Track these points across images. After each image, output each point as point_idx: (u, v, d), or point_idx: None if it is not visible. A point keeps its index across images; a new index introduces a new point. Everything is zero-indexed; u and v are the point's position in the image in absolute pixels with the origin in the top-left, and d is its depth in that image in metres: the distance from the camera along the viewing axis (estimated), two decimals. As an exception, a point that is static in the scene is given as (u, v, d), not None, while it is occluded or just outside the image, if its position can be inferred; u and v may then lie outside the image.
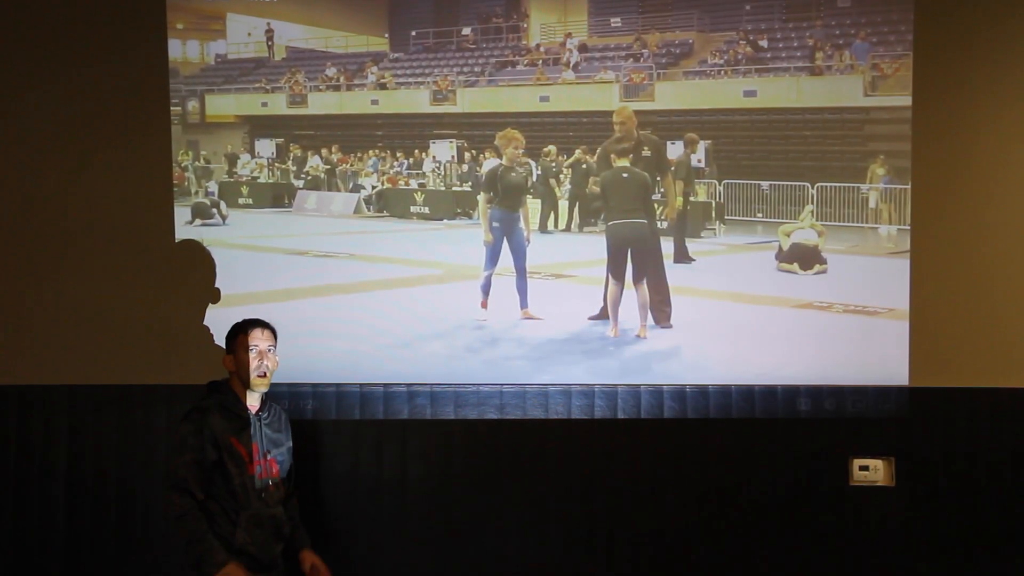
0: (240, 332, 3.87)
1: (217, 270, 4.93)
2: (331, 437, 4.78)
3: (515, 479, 4.90)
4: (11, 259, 4.93)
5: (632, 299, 5.06)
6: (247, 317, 3.97)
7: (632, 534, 4.88)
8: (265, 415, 3.90)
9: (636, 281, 5.08)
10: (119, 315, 4.88)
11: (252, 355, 3.81)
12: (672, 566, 4.87)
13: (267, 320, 3.97)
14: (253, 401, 3.88)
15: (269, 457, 3.86)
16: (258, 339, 3.84)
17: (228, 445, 3.75)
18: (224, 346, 3.96)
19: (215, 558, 3.66)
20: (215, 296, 4.86)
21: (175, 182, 5.05)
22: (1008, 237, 4.78)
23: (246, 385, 3.83)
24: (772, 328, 4.93)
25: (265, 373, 3.83)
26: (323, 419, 4.79)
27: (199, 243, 4.95)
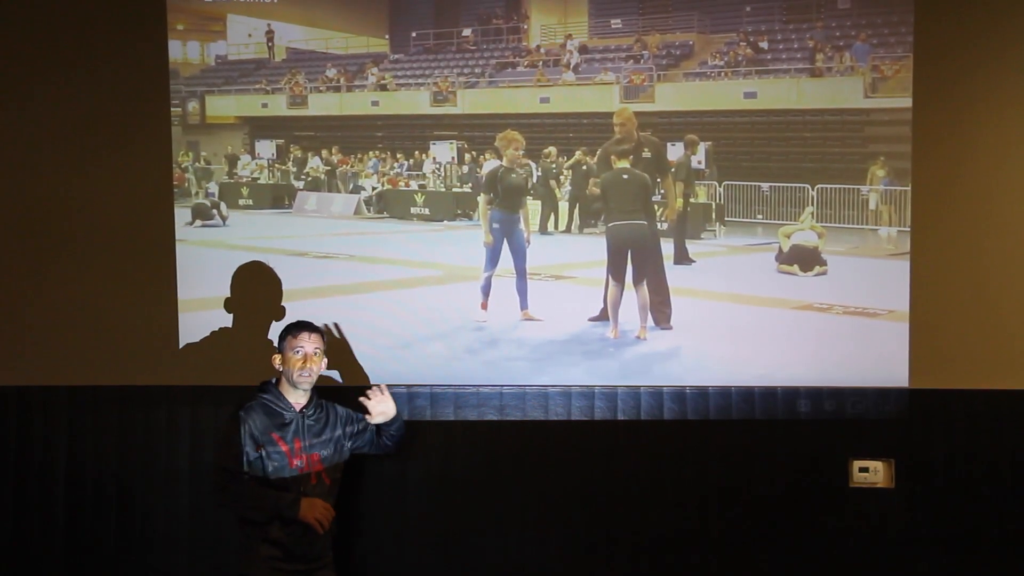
0: (289, 334, 4.06)
1: (212, 271, 4.94)
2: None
3: (515, 480, 4.90)
4: (11, 259, 4.94)
5: (632, 300, 5.06)
6: (300, 320, 4.14)
7: (632, 535, 4.88)
8: (311, 412, 4.07)
9: (636, 282, 5.08)
10: (119, 315, 4.89)
11: (297, 356, 4.00)
12: (672, 567, 4.87)
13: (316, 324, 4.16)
14: (299, 399, 4.04)
15: (312, 452, 4.00)
16: (304, 342, 4.02)
17: (269, 440, 3.92)
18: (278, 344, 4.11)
19: (286, 499, 3.86)
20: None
21: (175, 183, 5.05)
22: (1008, 238, 4.78)
23: (290, 383, 4.02)
24: (772, 329, 4.93)
25: (309, 375, 4.01)
26: (323, 420, 4.78)
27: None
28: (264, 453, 3.91)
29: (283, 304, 4.88)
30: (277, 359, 4.05)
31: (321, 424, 4.09)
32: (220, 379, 4.84)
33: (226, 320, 4.87)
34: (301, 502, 3.86)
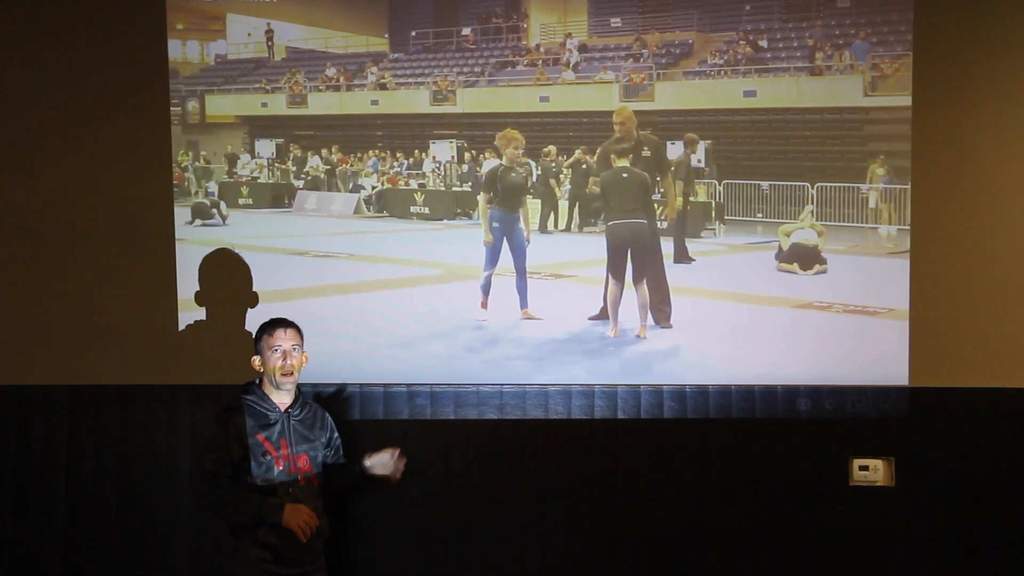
0: (264, 333, 3.95)
1: (213, 270, 4.92)
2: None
3: (515, 479, 4.90)
4: (11, 258, 4.94)
5: (632, 299, 5.06)
6: (273, 317, 4.02)
7: (632, 534, 4.88)
8: (297, 412, 3.96)
9: (636, 281, 5.08)
10: (119, 315, 4.88)
11: (276, 355, 3.88)
12: (672, 566, 4.87)
13: (291, 320, 4.02)
14: (283, 399, 3.94)
15: (298, 453, 3.91)
16: (281, 339, 3.91)
17: (254, 442, 3.84)
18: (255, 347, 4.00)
19: (270, 504, 3.76)
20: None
21: (175, 182, 5.05)
22: (1008, 236, 4.78)
23: (272, 383, 3.92)
24: (772, 328, 4.93)
25: (290, 371, 3.89)
26: (323, 419, 4.79)
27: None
28: (250, 455, 3.81)
29: (256, 295, 4.88)
30: (256, 361, 3.94)
31: (308, 425, 3.99)
32: (220, 378, 4.83)
33: (226, 319, 4.87)
34: (285, 508, 3.76)
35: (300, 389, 4.03)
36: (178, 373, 4.88)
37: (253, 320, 4.82)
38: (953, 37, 4.76)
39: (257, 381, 3.97)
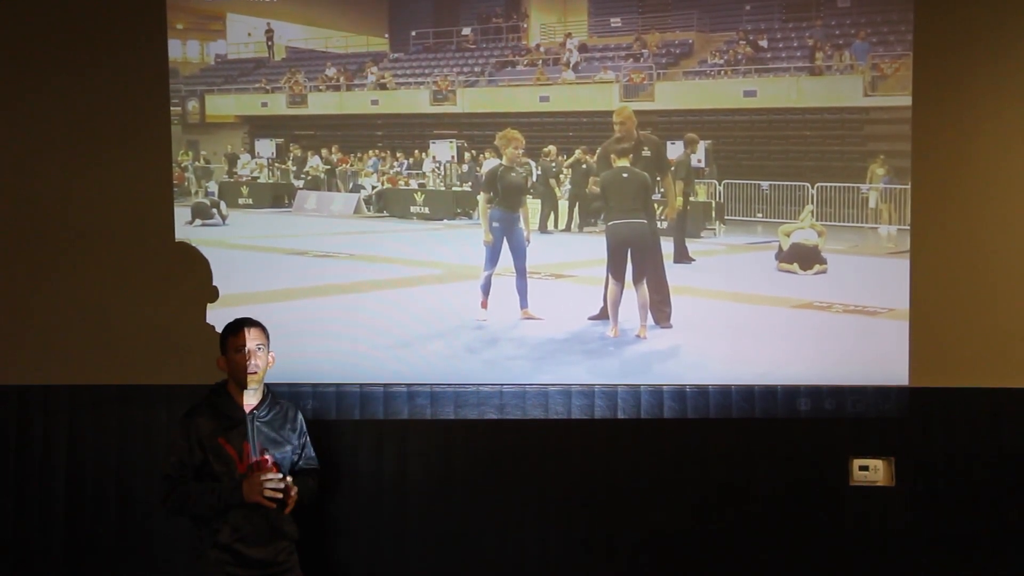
0: (229, 333, 3.95)
1: (214, 269, 4.93)
2: (331, 437, 4.77)
3: (515, 479, 4.90)
4: (11, 258, 4.93)
5: (632, 299, 5.06)
6: (237, 317, 4.02)
7: (632, 534, 4.88)
8: (264, 413, 3.94)
9: (636, 281, 5.08)
10: (119, 315, 4.88)
11: (241, 355, 3.88)
12: (672, 566, 4.87)
13: (258, 319, 4.02)
14: (249, 400, 3.93)
15: (265, 456, 3.88)
16: (245, 339, 3.90)
17: (215, 445, 3.81)
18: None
19: (227, 487, 3.75)
20: (213, 295, 4.88)
21: (175, 182, 5.05)
22: (1008, 237, 4.78)
23: (239, 384, 3.90)
24: (772, 328, 4.92)
25: (256, 371, 3.88)
26: (323, 419, 4.79)
27: (191, 245, 4.95)
28: (211, 458, 3.79)
29: (281, 302, 4.88)
30: (221, 362, 3.93)
31: (276, 426, 3.95)
32: (219, 378, 4.83)
33: (226, 318, 4.87)
34: (243, 485, 3.73)
35: (269, 389, 4.02)
36: (178, 373, 4.88)
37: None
38: (953, 37, 4.76)
39: (224, 382, 3.96)
